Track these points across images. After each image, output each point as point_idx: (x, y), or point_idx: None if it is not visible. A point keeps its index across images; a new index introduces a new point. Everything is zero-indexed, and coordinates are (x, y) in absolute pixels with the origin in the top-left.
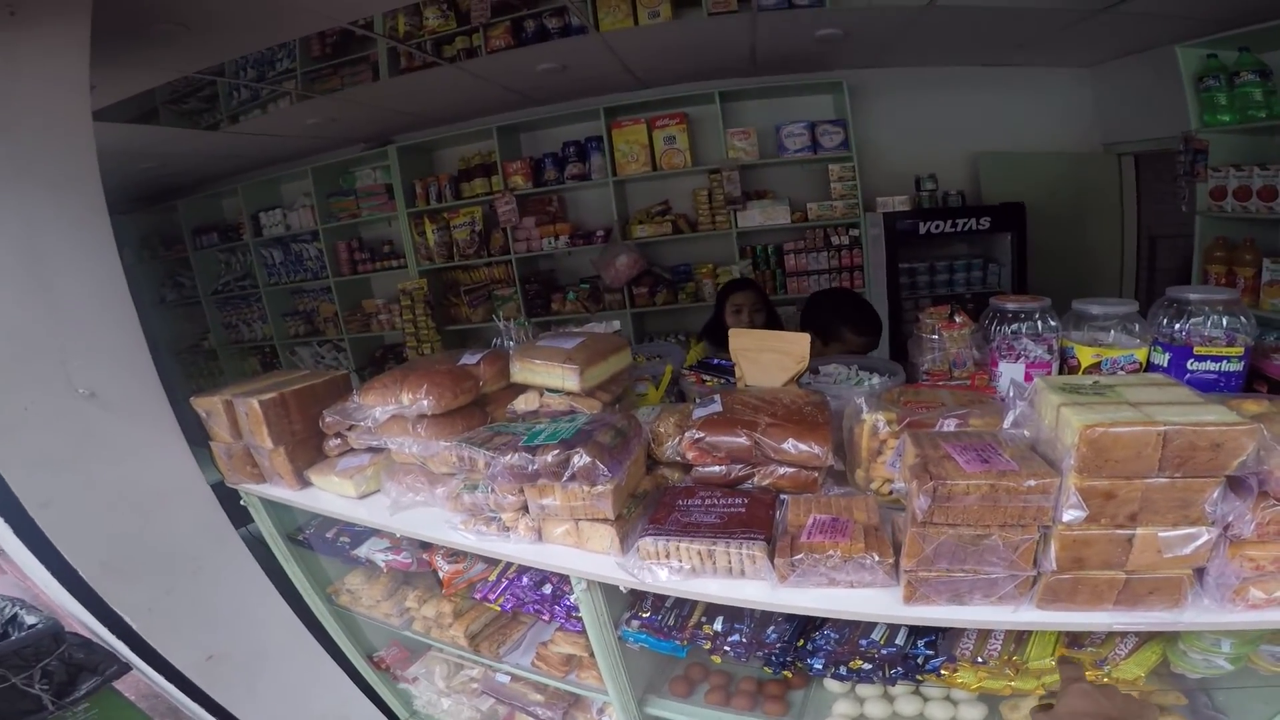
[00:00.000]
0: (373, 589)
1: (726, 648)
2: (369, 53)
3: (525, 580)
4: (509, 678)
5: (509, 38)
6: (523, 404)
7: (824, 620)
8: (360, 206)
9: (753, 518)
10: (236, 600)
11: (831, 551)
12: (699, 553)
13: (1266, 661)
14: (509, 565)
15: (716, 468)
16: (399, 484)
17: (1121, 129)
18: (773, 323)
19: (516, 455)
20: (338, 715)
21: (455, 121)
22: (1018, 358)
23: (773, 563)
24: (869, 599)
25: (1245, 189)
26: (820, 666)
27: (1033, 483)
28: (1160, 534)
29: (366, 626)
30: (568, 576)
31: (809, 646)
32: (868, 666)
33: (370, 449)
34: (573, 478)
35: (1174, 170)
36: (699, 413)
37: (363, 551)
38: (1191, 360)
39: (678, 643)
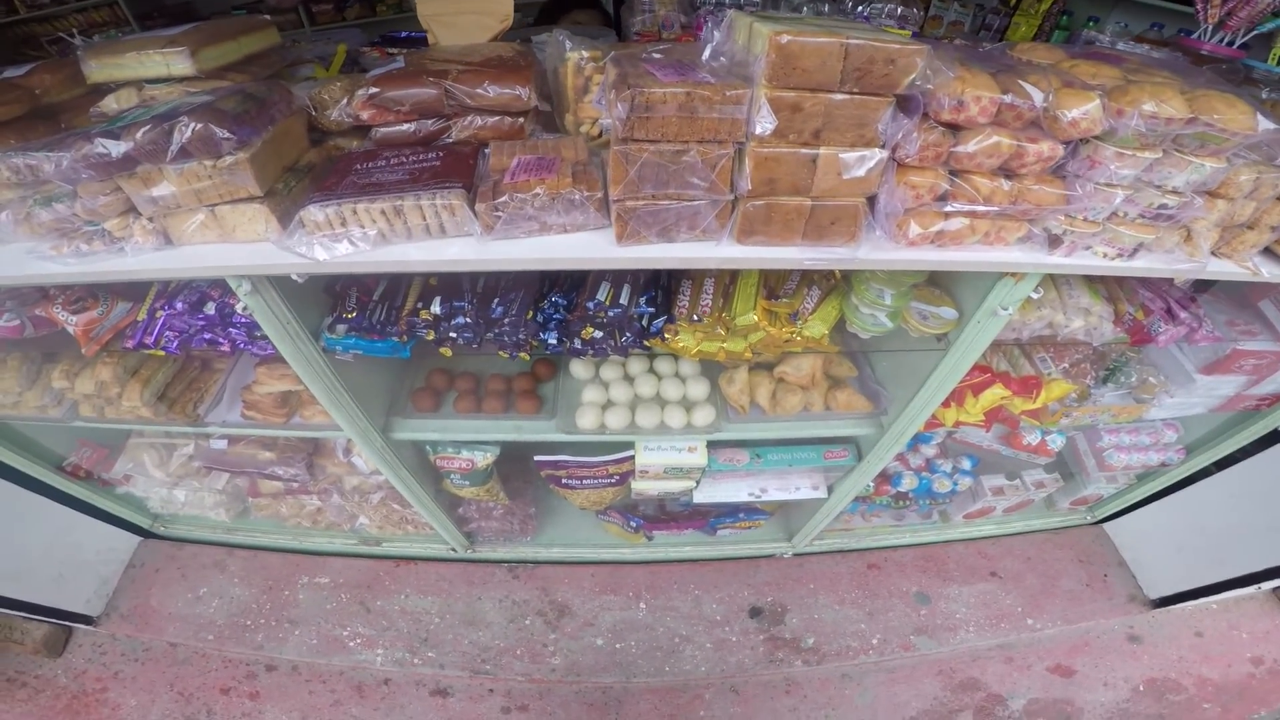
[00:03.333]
0: (4, 379)
1: (453, 333)
2: None
3: (180, 305)
4: (226, 442)
5: None
6: (116, 103)
7: (551, 288)
8: None
9: (449, 169)
10: None
11: (538, 189)
12: (384, 212)
13: (915, 320)
14: (160, 294)
15: (403, 125)
16: None
17: None
18: None
19: (92, 144)
20: (66, 543)
21: None
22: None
23: (474, 211)
24: (583, 243)
25: None
26: (555, 341)
27: (729, 92)
28: (840, 154)
29: (33, 430)
30: (229, 286)
31: (539, 319)
32: (599, 334)
33: None
34: (184, 153)
35: None
36: (376, 71)
37: None
38: None
39: (396, 339)
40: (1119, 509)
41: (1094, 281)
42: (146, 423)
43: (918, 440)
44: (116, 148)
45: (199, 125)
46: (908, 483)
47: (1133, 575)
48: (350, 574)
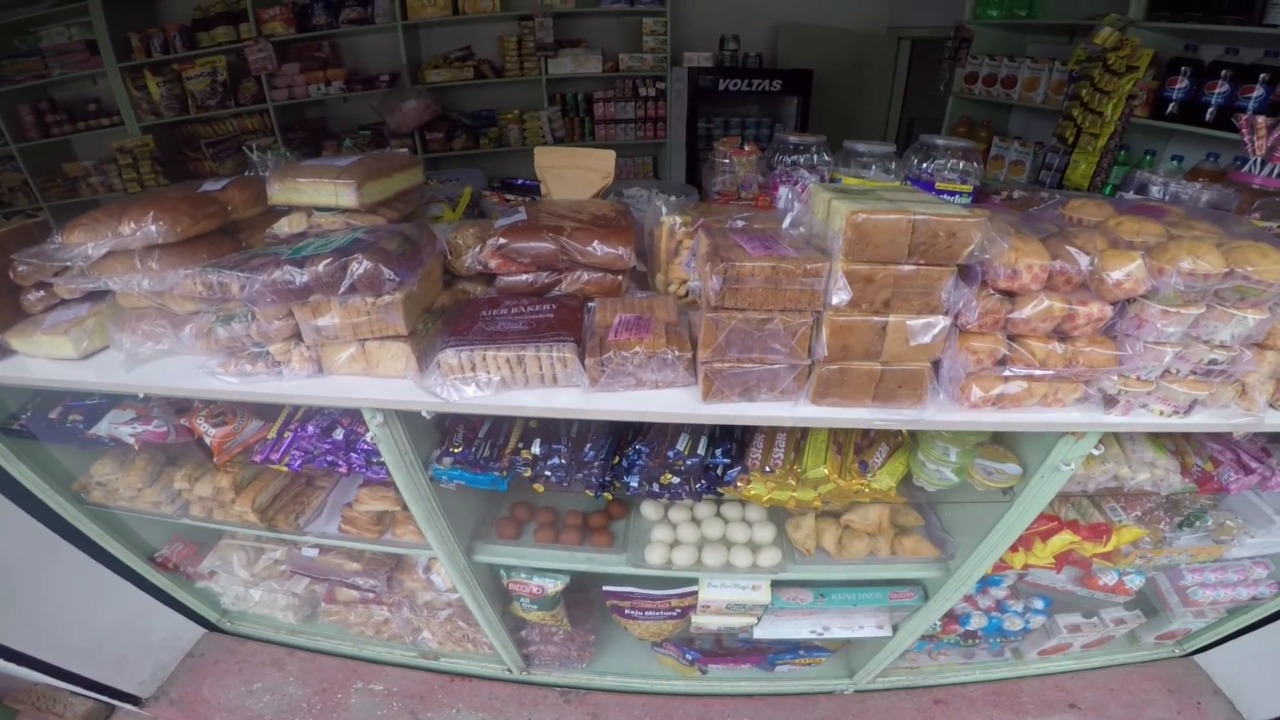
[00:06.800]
0: (129, 475)
1: (547, 472)
2: None
3: (311, 429)
4: (317, 550)
5: None
6: (287, 226)
7: (635, 436)
8: (49, 66)
9: (561, 322)
10: None
11: (637, 348)
12: (508, 360)
13: (980, 476)
14: (290, 416)
15: (522, 276)
16: (132, 332)
17: (907, 14)
18: None
19: (280, 270)
20: (137, 627)
21: None
22: (795, 184)
23: (584, 364)
24: (673, 399)
25: (993, 76)
26: (636, 484)
27: (809, 265)
28: (908, 322)
29: (136, 522)
30: (361, 416)
31: (624, 464)
32: (676, 480)
33: (89, 296)
34: (352, 288)
35: (941, 55)
36: (502, 222)
37: (102, 429)
38: (933, 193)
39: (496, 474)
40: (1211, 641)
41: (1159, 435)
42: (251, 527)
43: (986, 583)
44: (299, 276)
45: (370, 264)
46: (976, 622)
47: (1230, 702)
48: (405, 684)
